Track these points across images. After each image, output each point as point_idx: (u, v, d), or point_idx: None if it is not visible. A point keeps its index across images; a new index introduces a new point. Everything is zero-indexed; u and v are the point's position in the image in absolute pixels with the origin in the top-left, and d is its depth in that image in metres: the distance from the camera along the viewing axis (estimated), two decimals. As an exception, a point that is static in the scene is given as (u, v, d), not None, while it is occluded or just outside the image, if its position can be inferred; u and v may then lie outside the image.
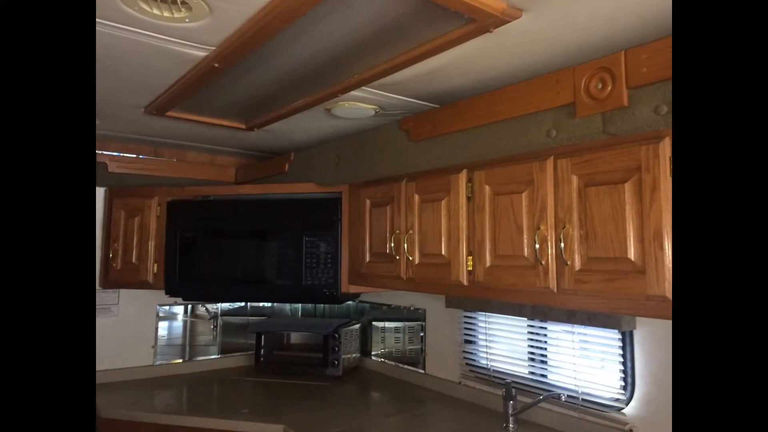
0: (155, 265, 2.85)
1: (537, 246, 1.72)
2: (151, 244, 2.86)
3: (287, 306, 3.66)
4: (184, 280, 2.79)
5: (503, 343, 2.48)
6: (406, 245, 2.22)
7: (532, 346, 2.36)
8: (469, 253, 1.96)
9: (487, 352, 2.54)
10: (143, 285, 2.86)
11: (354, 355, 3.17)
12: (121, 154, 3.08)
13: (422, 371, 2.85)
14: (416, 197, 2.20)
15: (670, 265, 1.38)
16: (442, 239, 2.07)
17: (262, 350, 3.20)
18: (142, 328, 3.13)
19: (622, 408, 1.96)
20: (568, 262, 1.63)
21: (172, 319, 3.26)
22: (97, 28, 1.50)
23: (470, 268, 1.95)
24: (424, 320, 2.86)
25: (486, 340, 2.55)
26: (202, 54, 1.67)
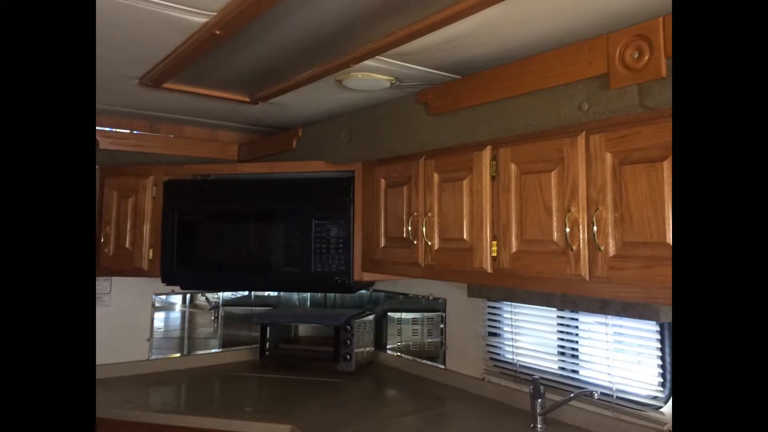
0: (151, 250, 2.89)
1: (567, 230, 1.76)
2: (147, 228, 2.90)
3: (295, 295, 3.71)
4: (183, 267, 2.83)
5: (530, 335, 2.53)
6: (424, 229, 2.26)
7: (562, 339, 2.40)
8: (494, 238, 2.00)
9: (513, 346, 2.58)
10: (138, 272, 2.91)
11: (368, 348, 3.23)
12: (114, 130, 3.11)
13: (442, 366, 2.90)
14: (435, 176, 2.24)
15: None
16: (464, 222, 2.10)
17: (268, 344, 3.25)
18: (137, 320, 3.19)
19: (661, 407, 1.99)
20: (602, 248, 1.66)
21: (170, 310, 3.32)
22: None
23: (494, 254, 2.00)
24: (444, 311, 2.91)
25: (512, 332, 2.59)
26: (202, 20, 1.69)
